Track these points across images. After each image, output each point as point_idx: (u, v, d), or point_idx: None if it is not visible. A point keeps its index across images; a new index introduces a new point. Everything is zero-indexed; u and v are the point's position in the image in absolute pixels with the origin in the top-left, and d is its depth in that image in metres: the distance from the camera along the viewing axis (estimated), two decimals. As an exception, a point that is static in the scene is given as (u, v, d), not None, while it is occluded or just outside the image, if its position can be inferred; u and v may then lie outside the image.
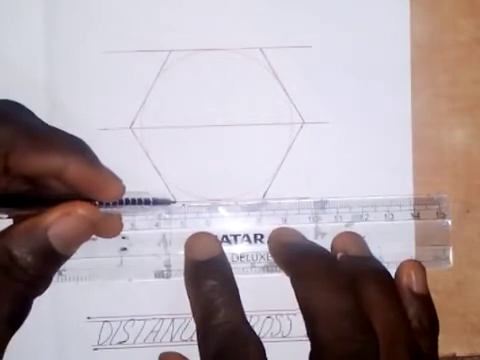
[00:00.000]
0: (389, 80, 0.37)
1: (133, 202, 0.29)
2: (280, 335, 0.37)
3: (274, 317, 0.37)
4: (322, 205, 0.36)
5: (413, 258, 0.35)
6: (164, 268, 0.36)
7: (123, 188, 0.28)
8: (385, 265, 0.30)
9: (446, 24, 0.37)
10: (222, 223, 0.36)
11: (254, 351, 0.27)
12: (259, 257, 0.36)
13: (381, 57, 0.37)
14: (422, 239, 0.36)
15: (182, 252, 0.32)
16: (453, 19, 0.37)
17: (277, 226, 0.34)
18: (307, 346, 0.27)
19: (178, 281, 0.35)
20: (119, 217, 0.29)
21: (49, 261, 0.25)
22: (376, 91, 0.37)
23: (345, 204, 0.36)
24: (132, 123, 0.37)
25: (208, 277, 0.28)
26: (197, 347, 0.28)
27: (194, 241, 0.30)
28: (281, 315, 0.37)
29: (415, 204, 0.36)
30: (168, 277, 0.36)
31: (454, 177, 0.37)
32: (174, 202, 0.32)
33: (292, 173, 0.37)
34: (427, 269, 0.30)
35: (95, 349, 0.37)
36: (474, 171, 0.38)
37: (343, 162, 0.37)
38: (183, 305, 0.31)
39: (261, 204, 0.36)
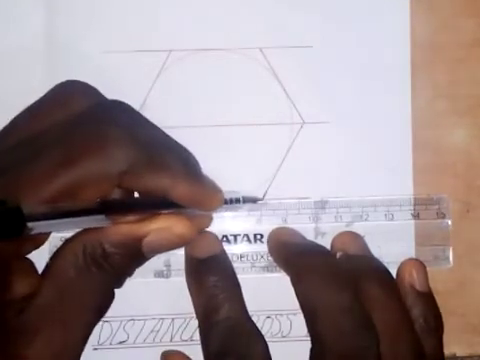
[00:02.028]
0: (389, 80, 0.37)
1: (225, 202, 0.29)
2: (280, 335, 0.37)
3: (274, 317, 0.37)
4: (322, 205, 0.36)
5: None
6: (164, 268, 0.36)
7: (222, 198, 0.28)
8: (385, 265, 0.30)
9: (446, 24, 0.37)
10: (222, 223, 0.36)
11: (257, 347, 0.27)
12: (259, 257, 0.36)
13: (381, 57, 0.37)
14: (422, 239, 0.36)
15: (182, 252, 0.31)
16: (453, 19, 0.37)
17: (277, 226, 0.34)
18: (307, 346, 0.27)
19: (178, 281, 0.35)
20: (210, 215, 0.29)
21: (135, 261, 0.27)
22: (376, 91, 0.37)
23: (345, 204, 0.36)
24: (132, 123, 0.37)
25: (210, 274, 0.28)
26: (197, 347, 0.28)
27: (195, 239, 0.30)
28: (281, 315, 0.37)
29: (415, 204, 0.36)
30: (168, 277, 0.36)
31: (454, 177, 0.38)
32: (261, 199, 0.32)
33: (292, 173, 0.37)
34: (427, 269, 0.30)
35: (95, 349, 0.37)
36: (474, 171, 0.38)
37: (343, 162, 0.37)
38: (183, 305, 0.31)
39: (261, 204, 0.36)
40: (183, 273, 0.31)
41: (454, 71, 0.37)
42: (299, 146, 0.37)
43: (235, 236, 0.36)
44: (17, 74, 0.36)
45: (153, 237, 0.26)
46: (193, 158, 0.28)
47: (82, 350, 0.25)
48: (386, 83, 0.37)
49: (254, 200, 0.31)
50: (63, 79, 0.36)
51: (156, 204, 0.26)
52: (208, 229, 0.33)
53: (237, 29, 0.37)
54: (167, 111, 0.37)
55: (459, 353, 0.38)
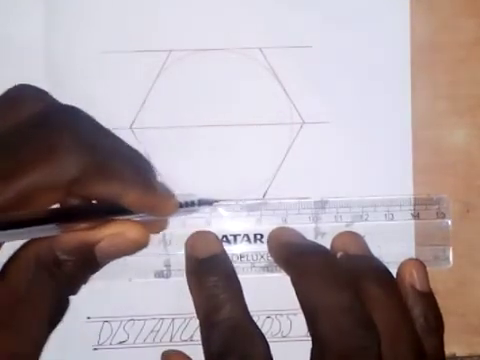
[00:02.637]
0: (389, 80, 0.37)
1: (180, 206, 0.29)
2: (280, 335, 0.37)
3: (274, 317, 0.37)
4: (322, 205, 0.36)
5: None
6: (164, 268, 0.36)
7: (176, 205, 0.28)
8: (385, 265, 0.30)
9: (446, 24, 0.37)
10: (222, 223, 0.35)
11: (259, 347, 0.27)
12: (259, 257, 0.36)
13: (381, 57, 0.37)
14: (422, 239, 0.36)
15: (182, 252, 0.31)
16: (453, 19, 0.37)
17: (277, 226, 0.34)
18: (307, 346, 0.27)
19: (178, 281, 0.35)
20: (166, 218, 0.30)
21: (88, 269, 0.26)
22: (376, 91, 0.37)
23: (345, 204, 0.36)
24: (132, 123, 0.37)
25: (210, 274, 0.28)
26: (197, 347, 0.28)
27: (195, 239, 0.30)
28: (281, 315, 0.37)
29: (415, 204, 0.36)
30: (168, 277, 0.36)
31: (454, 177, 0.38)
32: (217, 201, 0.32)
33: (292, 173, 0.37)
34: (427, 269, 0.30)
35: (95, 349, 0.37)
36: (474, 171, 0.38)
37: (343, 162, 0.37)
38: (183, 305, 0.31)
39: (261, 204, 0.36)
40: (183, 273, 0.31)
41: (454, 71, 0.37)
42: (299, 146, 0.37)
43: (235, 236, 0.36)
44: (17, 74, 0.36)
45: (106, 243, 0.26)
46: (148, 164, 0.28)
47: (37, 357, 0.25)
48: (386, 83, 0.37)
49: (210, 202, 0.31)
50: (63, 79, 0.36)
51: (110, 211, 0.26)
52: (208, 229, 0.33)
53: (237, 29, 0.37)
54: (167, 111, 0.37)
55: (459, 353, 0.38)
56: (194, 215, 0.35)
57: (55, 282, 0.25)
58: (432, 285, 0.30)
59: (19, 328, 0.24)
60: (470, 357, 0.38)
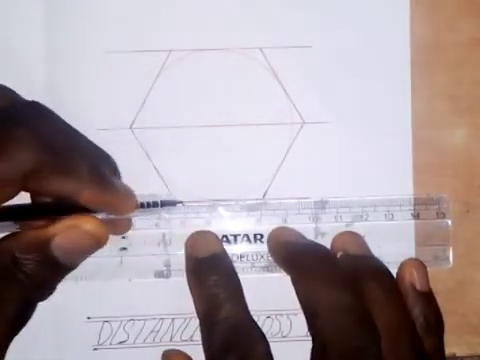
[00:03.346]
0: (389, 80, 0.37)
1: (142, 206, 0.29)
2: (280, 335, 0.37)
3: (274, 317, 0.37)
4: (322, 205, 0.36)
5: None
6: (164, 268, 0.36)
7: (134, 203, 0.28)
8: (385, 265, 0.30)
9: (446, 24, 0.37)
10: (222, 223, 0.35)
11: (259, 346, 0.27)
12: (259, 257, 0.36)
13: (381, 57, 0.37)
14: (422, 239, 0.36)
15: (182, 252, 0.31)
16: (453, 19, 0.37)
17: (277, 226, 0.34)
18: (307, 346, 0.27)
19: (178, 281, 0.35)
20: (128, 219, 0.29)
21: (52, 270, 0.26)
22: (376, 91, 0.37)
23: (345, 204, 0.36)
24: (132, 123, 0.37)
25: (210, 273, 0.28)
26: (197, 347, 0.28)
27: (195, 239, 0.30)
28: (281, 315, 0.37)
29: (415, 204, 0.36)
30: (168, 277, 0.36)
31: (454, 177, 0.38)
32: (181, 202, 0.32)
33: (292, 173, 0.37)
34: (427, 269, 0.30)
35: (95, 349, 0.37)
36: (474, 171, 0.38)
37: (343, 162, 0.37)
38: (183, 305, 0.31)
39: (261, 204, 0.36)
40: (183, 273, 0.31)
41: (454, 71, 0.37)
42: (299, 146, 0.37)
43: (235, 236, 0.36)
44: (17, 74, 0.36)
45: (61, 238, 0.25)
46: (110, 162, 0.28)
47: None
48: (386, 83, 0.37)
49: (174, 203, 0.31)
50: (63, 79, 0.36)
51: (69, 209, 0.26)
52: (207, 229, 0.33)
53: (237, 29, 0.37)
54: (167, 111, 0.37)
55: (459, 353, 0.38)
56: (192, 215, 0.35)
57: (16, 284, 0.25)
58: (432, 285, 0.30)
59: None
60: (470, 357, 0.38)
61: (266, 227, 0.35)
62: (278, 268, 0.31)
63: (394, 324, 0.26)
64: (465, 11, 0.38)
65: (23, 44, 0.36)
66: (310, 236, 0.35)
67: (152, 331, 0.37)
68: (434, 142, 0.37)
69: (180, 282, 0.31)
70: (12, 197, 0.25)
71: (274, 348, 0.27)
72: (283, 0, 0.37)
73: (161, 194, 0.31)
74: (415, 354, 0.26)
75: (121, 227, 0.29)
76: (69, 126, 0.27)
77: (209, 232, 0.30)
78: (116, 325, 0.37)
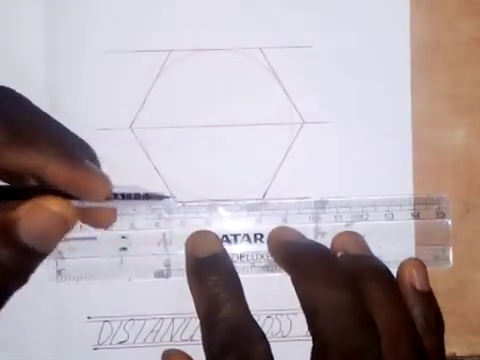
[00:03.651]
0: (389, 80, 0.37)
1: (123, 197, 0.28)
2: (280, 335, 0.37)
3: (274, 317, 0.37)
4: (322, 205, 0.36)
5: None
6: (164, 268, 0.36)
7: (107, 188, 0.27)
8: (385, 264, 0.30)
9: (446, 24, 0.37)
10: (222, 223, 0.36)
11: (259, 345, 0.27)
12: (259, 257, 0.36)
13: (381, 57, 0.37)
14: (422, 239, 0.36)
15: (182, 252, 0.32)
16: (453, 19, 0.37)
17: (277, 226, 0.34)
18: (307, 346, 0.27)
19: (178, 281, 0.35)
20: (113, 209, 0.29)
21: (23, 255, 0.25)
22: (376, 91, 0.37)
23: (345, 204, 0.36)
24: (132, 123, 0.37)
25: (211, 273, 0.28)
26: (197, 347, 0.28)
27: (195, 239, 0.30)
28: (281, 315, 0.37)
29: (415, 204, 0.36)
30: (168, 277, 0.36)
31: (454, 177, 0.38)
32: (168, 197, 0.32)
33: (292, 173, 0.37)
34: (427, 269, 0.30)
35: (95, 349, 0.37)
36: (474, 171, 0.38)
37: (343, 162, 0.37)
38: (183, 305, 0.31)
39: (261, 204, 0.36)
40: (183, 273, 0.31)
41: (454, 71, 0.37)
42: (299, 146, 0.37)
43: (235, 236, 0.36)
44: (17, 74, 0.36)
45: (27, 219, 0.24)
46: (86, 150, 0.27)
47: None
48: (386, 83, 0.37)
49: (160, 197, 0.30)
50: (63, 79, 0.36)
51: (36, 192, 0.25)
52: (207, 229, 0.33)
53: (237, 29, 0.37)
54: (167, 111, 0.37)
55: (459, 353, 0.38)
56: (192, 215, 0.35)
57: None
58: (432, 285, 0.30)
59: None
60: (470, 357, 0.38)
61: (266, 227, 0.35)
62: (278, 268, 0.31)
63: (394, 324, 0.26)
64: (465, 11, 0.38)
65: (23, 44, 0.36)
66: (310, 236, 0.35)
67: (152, 331, 0.37)
68: (434, 142, 0.37)
69: (180, 282, 0.31)
70: None
71: (274, 348, 0.27)
72: (283, 0, 0.37)
73: (154, 190, 0.31)
74: (415, 354, 0.26)
75: (103, 218, 0.29)
76: (40, 110, 0.27)
77: (209, 232, 0.30)
78: (116, 325, 0.37)
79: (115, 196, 0.29)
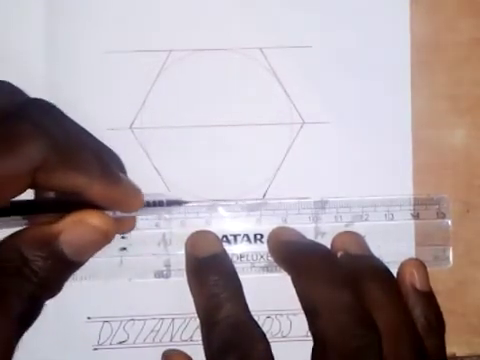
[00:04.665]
0: (389, 80, 0.37)
1: (148, 204, 0.29)
2: (280, 335, 0.37)
3: (274, 317, 0.37)
4: (322, 205, 0.36)
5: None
6: (164, 268, 0.36)
7: (142, 200, 0.28)
8: (385, 265, 0.30)
9: (446, 24, 0.37)
10: (222, 223, 0.35)
11: (259, 345, 0.27)
12: (259, 257, 0.36)
13: (381, 57, 0.37)
14: (422, 239, 0.36)
15: (182, 252, 0.32)
16: (453, 19, 0.37)
17: (277, 226, 0.34)
18: (307, 346, 0.27)
19: (178, 281, 0.35)
20: (133, 217, 0.29)
21: (60, 266, 0.26)
22: (376, 91, 0.37)
23: (345, 204, 0.36)
24: (132, 123, 0.37)
25: (211, 272, 0.28)
26: (197, 347, 0.28)
27: (195, 239, 0.30)
28: (281, 315, 0.37)
29: (415, 204, 0.36)
30: (168, 277, 0.36)
31: (454, 177, 0.38)
32: (186, 202, 0.32)
33: (292, 173, 0.37)
34: (427, 269, 0.30)
35: (95, 349, 0.37)
36: (474, 171, 0.38)
37: (343, 162, 0.37)
38: (183, 305, 0.31)
39: (261, 204, 0.36)
40: (183, 273, 0.31)
41: (454, 71, 0.37)
42: (299, 146, 0.37)
43: (235, 236, 0.36)
44: (17, 74, 0.36)
45: (69, 233, 0.25)
46: (116, 159, 0.28)
47: (8, 358, 0.24)
48: (386, 83, 0.37)
49: (179, 203, 0.31)
50: (63, 79, 0.36)
51: (75, 205, 0.26)
52: (207, 229, 0.33)
53: (237, 29, 0.37)
54: (167, 111, 0.37)
55: (459, 353, 0.38)
56: (192, 215, 0.35)
57: (24, 281, 0.24)
58: (432, 285, 0.30)
59: None
60: (470, 357, 0.38)
61: (266, 227, 0.35)
62: (278, 268, 0.31)
63: (395, 324, 0.26)
64: (465, 11, 0.38)
65: (23, 44, 0.36)
66: (310, 236, 0.35)
67: (152, 331, 0.37)
68: (434, 142, 0.37)
69: (180, 282, 0.31)
70: (20, 193, 0.25)
71: (274, 348, 0.27)
72: (283, 0, 0.37)
73: (166, 193, 0.31)
74: (416, 353, 0.26)
75: (126, 225, 0.29)
76: (75, 123, 0.27)
77: (209, 232, 0.30)
78: (116, 325, 0.37)
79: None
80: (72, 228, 0.25)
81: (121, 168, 0.29)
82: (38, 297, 0.25)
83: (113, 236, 0.27)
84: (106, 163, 0.27)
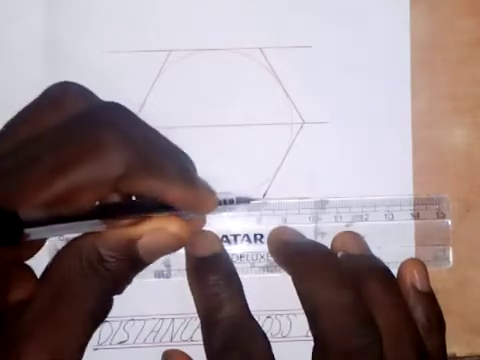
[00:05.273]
0: (389, 80, 0.37)
1: (220, 204, 0.29)
2: (280, 335, 0.37)
3: (274, 317, 0.37)
4: (322, 205, 0.36)
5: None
6: (164, 268, 0.36)
7: (216, 201, 0.28)
8: (386, 265, 0.30)
9: (446, 24, 0.37)
10: (222, 223, 0.36)
11: (260, 344, 0.27)
12: (259, 257, 0.36)
13: (381, 57, 0.37)
14: (422, 239, 0.36)
15: (182, 252, 0.31)
16: (453, 19, 0.37)
17: (277, 226, 0.34)
18: (307, 346, 0.27)
19: (178, 281, 0.35)
20: (204, 216, 0.29)
21: (133, 266, 0.26)
22: (376, 91, 0.37)
23: (345, 204, 0.36)
24: (132, 123, 0.37)
25: (211, 272, 0.28)
26: (197, 347, 0.28)
27: (195, 239, 0.30)
28: (281, 315, 0.37)
29: (415, 204, 0.36)
30: (168, 277, 0.36)
31: (454, 177, 0.38)
32: (254, 199, 0.32)
33: (292, 173, 0.37)
34: (427, 269, 0.30)
35: (95, 349, 0.37)
36: (474, 171, 0.38)
37: (343, 162, 0.37)
38: (183, 305, 0.31)
39: (261, 204, 0.36)
40: (183, 273, 0.31)
41: (454, 71, 0.37)
42: (299, 146, 0.37)
43: (235, 236, 0.36)
44: (17, 74, 0.36)
45: (148, 238, 0.26)
46: (189, 160, 0.28)
47: (81, 356, 0.25)
48: (386, 83, 0.37)
49: (248, 200, 0.31)
50: (63, 79, 0.36)
51: (150, 207, 0.26)
52: (208, 229, 0.33)
53: (237, 29, 0.37)
54: (167, 111, 0.37)
55: (459, 353, 0.38)
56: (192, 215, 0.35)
57: (99, 280, 0.25)
58: (432, 285, 0.30)
59: (62, 326, 0.24)
60: (470, 357, 0.38)
61: (266, 227, 0.35)
62: (278, 268, 0.31)
63: (395, 323, 0.26)
64: (465, 11, 0.38)
65: (23, 44, 0.36)
66: (310, 236, 0.35)
67: (152, 331, 0.37)
68: (434, 142, 0.37)
69: (180, 282, 0.31)
70: (101, 199, 0.25)
71: (274, 348, 0.27)
72: (283, 0, 0.37)
73: (233, 192, 0.31)
74: (417, 353, 0.26)
75: (197, 224, 0.29)
76: (149, 126, 0.27)
77: (209, 232, 0.30)
78: (116, 325, 0.37)
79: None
80: (152, 235, 0.26)
81: (194, 169, 0.29)
82: (109, 294, 0.26)
83: (188, 241, 0.27)
84: (184, 166, 0.27)
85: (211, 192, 0.28)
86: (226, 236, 0.36)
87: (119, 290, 0.27)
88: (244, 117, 0.37)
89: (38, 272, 0.25)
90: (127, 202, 0.27)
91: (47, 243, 0.26)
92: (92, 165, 0.24)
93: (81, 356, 0.25)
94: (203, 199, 0.27)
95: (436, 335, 0.28)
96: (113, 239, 0.25)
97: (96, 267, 0.25)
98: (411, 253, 0.36)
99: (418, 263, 0.29)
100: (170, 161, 0.26)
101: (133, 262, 0.26)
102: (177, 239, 0.27)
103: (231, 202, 0.30)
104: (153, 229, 0.26)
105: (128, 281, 0.27)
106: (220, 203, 0.29)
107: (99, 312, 0.26)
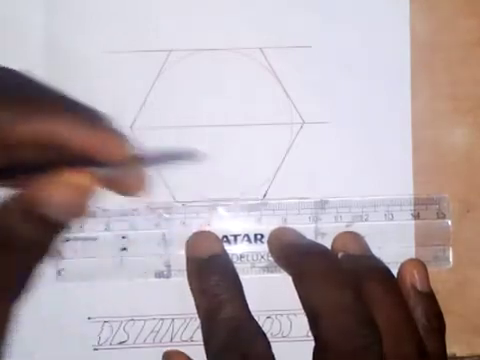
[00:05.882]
0: (389, 80, 0.37)
1: (149, 160, 0.27)
2: (280, 335, 0.37)
3: (274, 317, 0.37)
4: (322, 205, 0.36)
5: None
6: (164, 268, 0.36)
7: (124, 148, 0.27)
8: (386, 265, 0.30)
9: (446, 24, 0.37)
10: (222, 223, 0.36)
11: (260, 344, 0.27)
12: (259, 257, 0.36)
13: (381, 57, 0.37)
14: (422, 239, 0.36)
15: (182, 252, 0.32)
16: (453, 19, 0.37)
17: (277, 226, 0.34)
18: (307, 346, 0.27)
19: (178, 281, 0.35)
20: (140, 174, 0.28)
21: (47, 229, 0.25)
22: (376, 91, 0.37)
23: (345, 204, 0.36)
24: (132, 123, 0.37)
25: (211, 273, 0.28)
26: (197, 347, 0.28)
27: (196, 239, 0.30)
28: (281, 315, 0.37)
29: (415, 204, 0.36)
30: (168, 277, 0.36)
31: (454, 177, 0.37)
32: (196, 155, 0.30)
33: (292, 173, 0.37)
34: (427, 269, 0.30)
35: (95, 349, 0.37)
36: (474, 171, 0.38)
37: (343, 162, 0.37)
38: (183, 305, 0.31)
39: (261, 204, 0.36)
40: (183, 273, 0.31)
41: (454, 71, 0.37)
42: (299, 146, 0.37)
43: (235, 236, 0.36)
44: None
45: (52, 196, 0.25)
46: (102, 116, 0.27)
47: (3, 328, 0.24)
48: (386, 83, 0.37)
49: (189, 155, 0.28)
50: (63, 79, 0.36)
51: (56, 164, 0.25)
52: (208, 229, 0.33)
53: (237, 29, 0.37)
54: (167, 111, 0.37)
55: (459, 353, 0.38)
56: (192, 215, 0.35)
57: (13, 250, 0.24)
58: (432, 285, 0.30)
59: None
60: (470, 357, 0.38)
61: (266, 227, 0.35)
62: (278, 268, 0.31)
63: (396, 323, 0.26)
64: (465, 11, 0.38)
65: (23, 44, 0.36)
66: (310, 236, 0.35)
67: (152, 331, 0.37)
68: (434, 142, 0.37)
69: (180, 282, 0.31)
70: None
71: (274, 348, 0.27)
72: (283, 0, 0.37)
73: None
74: (417, 353, 0.26)
75: (129, 184, 0.28)
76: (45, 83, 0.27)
77: (210, 232, 0.30)
78: (116, 325, 0.37)
79: (140, 160, 0.27)
80: (56, 191, 0.25)
81: (108, 121, 0.28)
82: (29, 264, 0.25)
83: (93, 191, 0.26)
84: (87, 110, 0.26)
85: (117, 136, 0.27)
86: (226, 236, 0.36)
87: (40, 260, 0.25)
88: (244, 117, 0.37)
89: None
90: (30, 161, 0.26)
91: None
92: None
93: (4, 329, 0.24)
94: (110, 144, 0.26)
95: (436, 335, 0.28)
96: (19, 205, 0.24)
97: (8, 237, 0.24)
98: (411, 253, 0.36)
99: (418, 263, 0.29)
100: (58, 100, 0.25)
101: (46, 225, 0.25)
102: (79, 189, 0.25)
103: (165, 158, 0.28)
104: (56, 184, 0.25)
105: (48, 248, 0.25)
106: (143, 157, 0.27)
107: (19, 285, 0.24)
